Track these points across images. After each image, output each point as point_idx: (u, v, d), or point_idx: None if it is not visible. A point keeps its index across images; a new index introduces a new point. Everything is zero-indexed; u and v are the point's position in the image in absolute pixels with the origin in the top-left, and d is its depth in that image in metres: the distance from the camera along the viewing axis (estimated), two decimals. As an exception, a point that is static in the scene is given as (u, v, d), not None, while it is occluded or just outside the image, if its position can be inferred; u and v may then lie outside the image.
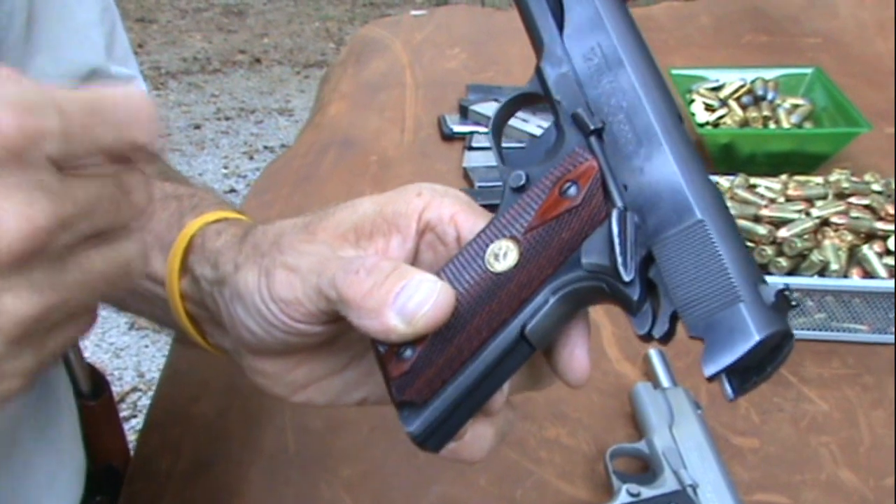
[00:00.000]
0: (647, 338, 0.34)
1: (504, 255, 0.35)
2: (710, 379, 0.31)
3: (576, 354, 0.36)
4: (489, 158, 1.01)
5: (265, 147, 3.39)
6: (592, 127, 0.35)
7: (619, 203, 0.34)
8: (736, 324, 0.31)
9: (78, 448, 0.61)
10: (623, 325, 0.75)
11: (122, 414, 1.84)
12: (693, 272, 0.32)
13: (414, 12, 1.52)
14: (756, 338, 0.30)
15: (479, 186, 0.95)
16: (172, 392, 0.73)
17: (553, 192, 0.35)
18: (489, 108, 1.08)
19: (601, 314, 0.77)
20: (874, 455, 0.63)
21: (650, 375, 0.68)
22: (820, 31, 1.37)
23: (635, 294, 0.33)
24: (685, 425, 0.61)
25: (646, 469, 0.61)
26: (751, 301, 0.31)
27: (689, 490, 0.57)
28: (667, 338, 0.33)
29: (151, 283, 0.46)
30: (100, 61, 0.61)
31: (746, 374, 0.32)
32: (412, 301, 0.33)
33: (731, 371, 0.31)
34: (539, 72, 0.37)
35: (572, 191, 0.35)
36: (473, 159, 1.01)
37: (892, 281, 0.70)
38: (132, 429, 1.74)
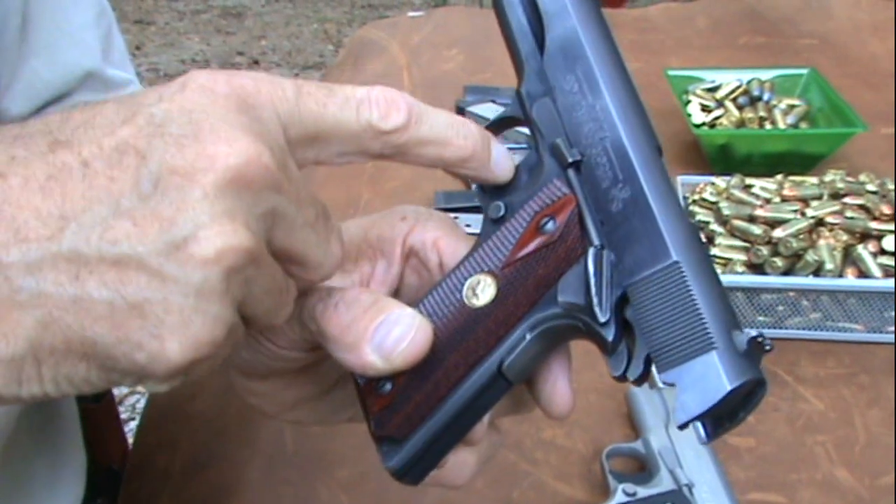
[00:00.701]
0: (622, 379, 0.33)
1: (482, 291, 0.35)
2: (682, 427, 0.31)
3: (558, 388, 0.36)
4: (486, 160, 1.01)
5: (263, 149, 3.39)
6: (571, 159, 0.34)
7: (595, 240, 0.33)
8: (708, 372, 0.30)
9: (79, 449, 0.62)
10: (620, 326, 0.76)
11: (122, 416, 1.84)
12: (667, 315, 0.31)
13: (411, 14, 1.53)
14: (727, 388, 0.30)
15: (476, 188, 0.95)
16: (169, 390, 0.73)
17: (531, 226, 0.35)
18: (486, 110, 1.09)
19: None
20: (870, 454, 0.63)
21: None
22: (816, 33, 1.38)
23: (610, 335, 0.32)
24: (681, 425, 0.61)
25: (642, 469, 0.61)
26: (724, 349, 0.30)
27: (685, 489, 0.57)
28: (641, 380, 0.33)
29: None
30: (95, 64, 0.61)
31: (719, 419, 0.31)
32: (390, 337, 0.33)
33: (704, 416, 0.31)
34: (519, 95, 0.37)
35: (549, 226, 0.34)
36: (471, 161, 1.01)
37: (887, 281, 0.71)
38: (131, 431, 1.74)
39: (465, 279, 0.35)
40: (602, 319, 0.32)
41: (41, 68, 0.57)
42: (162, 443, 0.67)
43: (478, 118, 1.08)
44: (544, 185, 0.35)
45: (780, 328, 0.73)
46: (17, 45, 0.56)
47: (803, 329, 0.73)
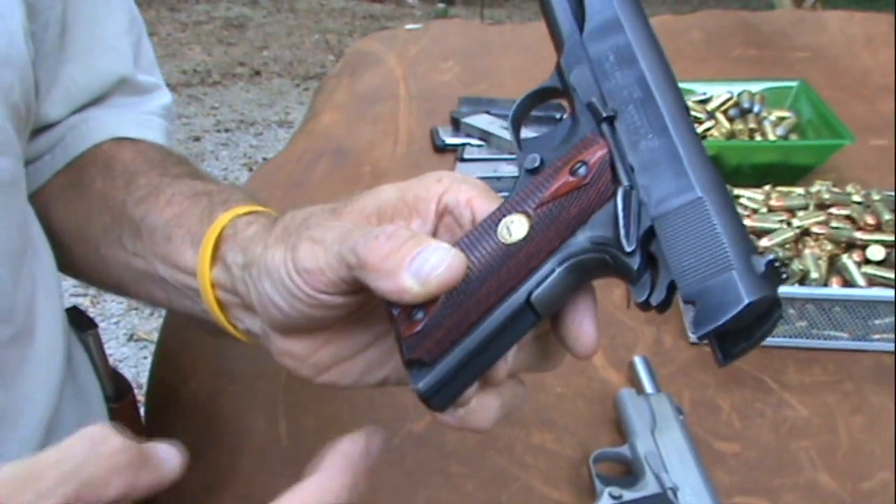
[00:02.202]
0: (646, 306, 0.36)
1: (516, 228, 0.37)
2: (701, 339, 0.34)
3: (584, 327, 0.38)
4: (481, 169, 1.03)
5: (264, 159, 3.41)
6: (605, 114, 0.38)
7: (625, 182, 0.37)
8: (727, 288, 0.33)
9: None
10: (610, 334, 0.77)
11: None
12: (690, 244, 0.35)
13: (409, 26, 1.55)
14: (745, 301, 0.33)
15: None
16: (164, 374, 0.74)
17: (564, 171, 0.38)
18: (481, 121, 1.10)
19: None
20: (852, 459, 0.64)
21: (634, 382, 0.69)
22: (808, 46, 1.39)
23: (636, 264, 0.36)
24: (667, 430, 0.62)
25: (628, 473, 0.62)
26: (742, 269, 0.33)
27: (670, 493, 0.58)
28: (663, 306, 0.36)
29: (184, 274, 0.48)
30: (127, 70, 0.63)
31: (736, 339, 0.34)
32: (427, 264, 0.35)
33: (722, 336, 0.34)
34: (559, 68, 0.40)
35: (582, 171, 0.37)
36: (466, 170, 1.03)
37: (872, 290, 0.72)
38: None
39: (500, 219, 0.38)
40: (628, 249, 0.36)
41: (78, 74, 0.59)
42: (161, 431, 0.68)
43: (473, 129, 1.10)
44: (580, 138, 0.38)
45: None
46: (56, 53, 0.58)
47: (789, 337, 0.74)
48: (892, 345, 0.73)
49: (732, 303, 0.33)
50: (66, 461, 0.30)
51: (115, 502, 0.32)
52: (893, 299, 0.71)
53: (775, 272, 0.34)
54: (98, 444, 0.31)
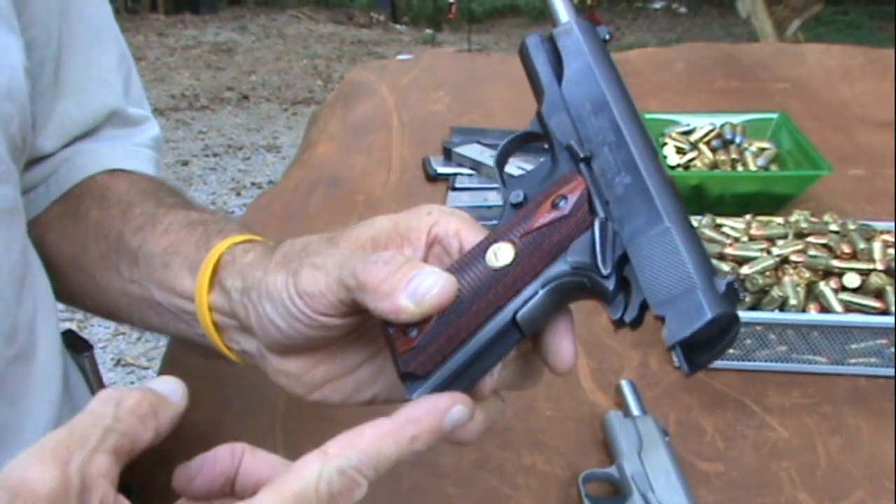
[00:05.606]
0: (620, 323, 0.40)
1: (502, 255, 0.41)
2: (669, 349, 0.37)
3: (563, 345, 0.41)
4: (472, 198, 1.06)
5: (252, 183, 3.43)
6: (582, 155, 0.42)
7: (601, 214, 0.41)
8: (693, 305, 0.37)
9: None
10: (598, 359, 0.79)
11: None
12: (660, 267, 0.39)
13: (400, 56, 1.58)
14: (709, 315, 0.37)
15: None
16: None
17: (547, 204, 0.42)
18: (472, 151, 1.13)
19: (578, 348, 0.81)
20: (830, 479, 0.67)
21: (621, 405, 0.71)
22: (788, 78, 1.44)
23: (611, 285, 0.40)
24: (653, 451, 0.65)
25: (616, 493, 0.65)
26: (705, 289, 0.37)
27: (656, 511, 0.60)
28: (636, 323, 0.39)
29: (180, 299, 0.51)
30: (118, 103, 0.66)
31: (700, 351, 0.38)
32: (422, 287, 0.39)
33: (688, 348, 0.38)
34: (540, 115, 0.45)
35: (563, 203, 0.42)
36: (457, 199, 1.05)
37: (849, 315, 0.75)
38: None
39: (488, 246, 0.41)
40: (605, 272, 0.40)
41: (72, 108, 0.62)
42: (159, 459, 0.70)
43: (464, 158, 1.13)
44: (559, 176, 0.43)
45: (749, 360, 0.77)
46: (51, 88, 0.60)
47: (770, 361, 0.77)
48: (867, 369, 0.76)
49: (697, 317, 0.37)
50: (101, 420, 0.34)
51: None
52: (868, 324, 0.74)
53: (734, 292, 0.38)
54: (120, 401, 0.35)
